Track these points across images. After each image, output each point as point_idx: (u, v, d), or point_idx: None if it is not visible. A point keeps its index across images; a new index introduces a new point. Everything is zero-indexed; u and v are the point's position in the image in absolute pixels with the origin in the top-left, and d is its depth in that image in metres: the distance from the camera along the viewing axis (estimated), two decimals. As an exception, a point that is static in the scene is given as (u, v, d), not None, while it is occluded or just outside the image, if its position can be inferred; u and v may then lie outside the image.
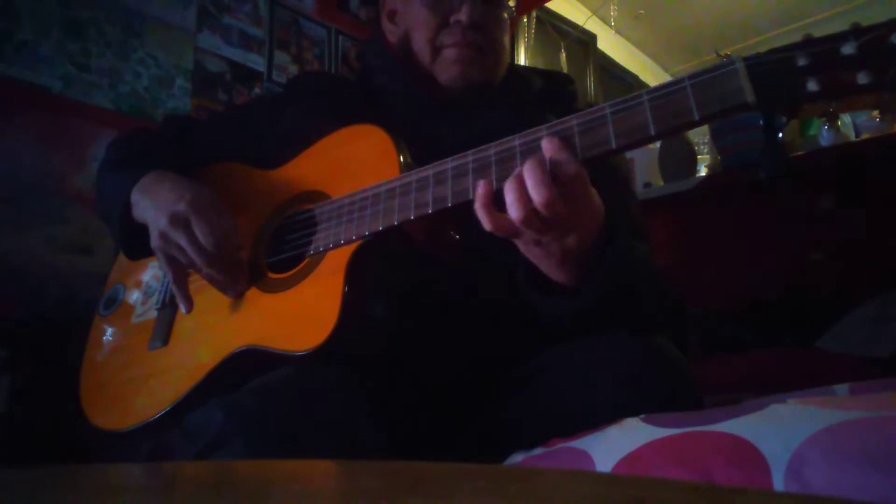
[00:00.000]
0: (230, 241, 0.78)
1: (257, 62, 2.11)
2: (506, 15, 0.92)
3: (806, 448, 0.38)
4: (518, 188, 0.58)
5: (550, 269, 0.65)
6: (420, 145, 0.77)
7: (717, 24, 4.03)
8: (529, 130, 0.63)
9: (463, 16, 0.85)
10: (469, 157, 0.66)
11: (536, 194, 0.57)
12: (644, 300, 0.70)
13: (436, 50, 0.87)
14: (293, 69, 2.20)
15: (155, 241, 0.78)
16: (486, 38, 0.88)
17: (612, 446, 0.49)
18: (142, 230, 0.82)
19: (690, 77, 0.56)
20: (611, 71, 3.94)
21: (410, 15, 0.91)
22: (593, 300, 0.64)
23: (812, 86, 0.52)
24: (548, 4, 3.29)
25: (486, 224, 0.61)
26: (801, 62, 0.52)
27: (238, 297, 0.80)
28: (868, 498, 0.34)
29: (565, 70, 3.46)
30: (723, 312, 1.61)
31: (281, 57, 2.19)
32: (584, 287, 0.64)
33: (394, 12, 0.95)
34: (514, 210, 0.58)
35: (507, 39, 0.93)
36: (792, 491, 0.37)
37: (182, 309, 0.81)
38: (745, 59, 0.54)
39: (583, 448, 0.51)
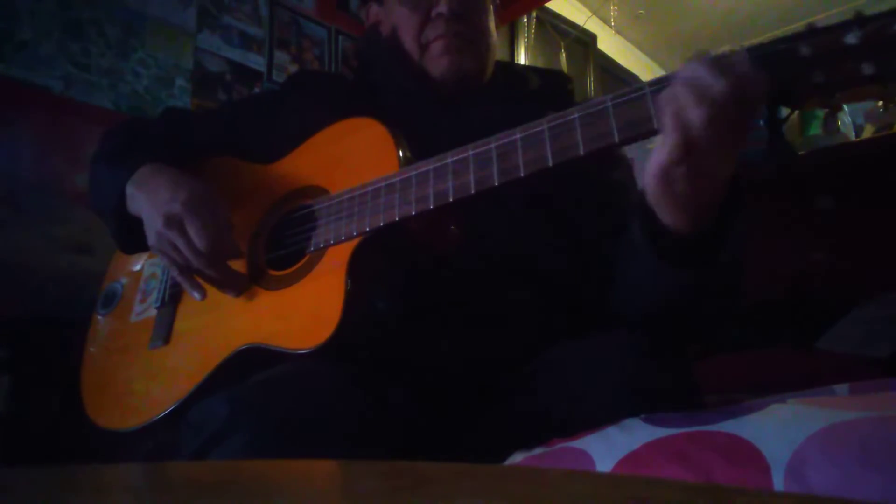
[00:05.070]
0: (226, 240, 0.77)
1: (257, 62, 2.11)
2: (488, 2, 0.92)
3: (806, 448, 0.38)
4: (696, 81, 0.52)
5: (679, 207, 0.58)
6: (417, 141, 0.77)
7: (717, 23, 4.03)
8: (530, 124, 0.63)
9: (443, 7, 0.85)
10: (469, 152, 0.66)
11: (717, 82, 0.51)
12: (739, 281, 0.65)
13: (423, 47, 0.88)
14: (293, 69, 2.19)
15: (152, 241, 0.78)
16: (470, 27, 0.88)
17: (612, 446, 0.49)
18: (138, 223, 0.82)
19: None
20: (611, 71, 3.94)
21: (393, 18, 0.91)
22: (726, 251, 0.59)
23: (817, 76, 0.51)
24: (548, 4, 3.28)
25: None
26: (805, 52, 0.51)
27: (238, 295, 0.80)
28: (868, 498, 0.34)
29: (565, 70, 3.46)
30: (723, 312, 1.61)
31: (281, 57, 2.19)
32: (718, 237, 0.59)
33: (378, 22, 0.96)
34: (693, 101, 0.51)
35: (493, 25, 0.93)
36: (792, 491, 0.37)
37: (195, 297, 0.80)
38: (750, 50, 0.53)
39: (583, 448, 0.51)
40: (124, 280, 1.00)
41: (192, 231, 0.75)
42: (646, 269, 0.64)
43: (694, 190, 0.56)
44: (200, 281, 0.81)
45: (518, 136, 0.63)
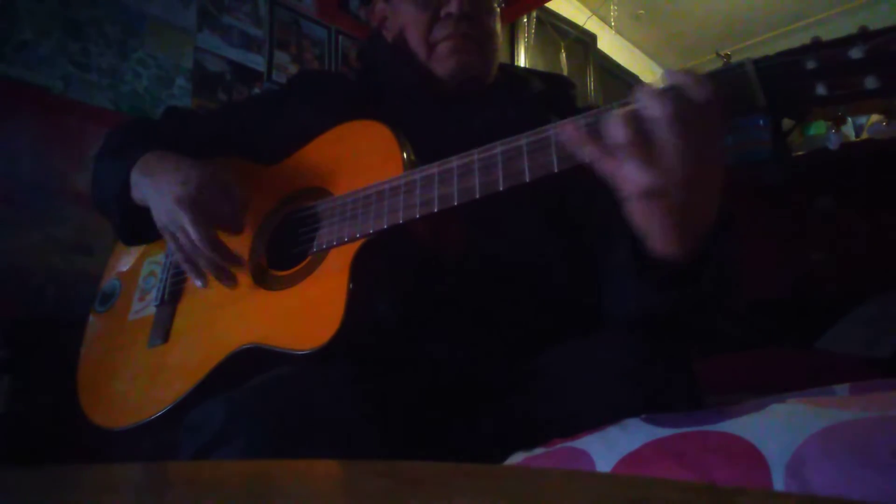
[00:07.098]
0: (237, 224, 0.78)
1: (257, 62, 2.11)
2: (495, 4, 0.92)
3: (806, 448, 0.38)
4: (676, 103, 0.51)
5: (664, 232, 0.56)
6: (420, 142, 0.77)
7: (717, 24, 4.03)
8: (537, 129, 0.63)
9: (453, 8, 0.85)
10: (475, 156, 0.66)
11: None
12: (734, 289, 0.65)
13: (430, 46, 0.88)
14: (293, 69, 2.20)
15: (162, 223, 0.78)
16: (478, 28, 0.88)
17: (612, 446, 0.49)
18: (141, 213, 0.81)
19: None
20: (611, 71, 3.95)
21: (401, 16, 0.91)
22: (711, 272, 0.59)
23: (821, 90, 0.52)
24: (548, 4, 3.29)
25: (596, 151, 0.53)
26: (810, 66, 0.52)
27: (238, 287, 0.80)
28: (868, 498, 0.34)
29: (565, 70, 3.46)
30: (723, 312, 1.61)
31: (281, 57, 2.19)
32: (702, 258, 0.58)
33: (384, 19, 0.96)
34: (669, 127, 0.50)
35: (499, 28, 0.94)
36: (792, 491, 0.37)
37: (197, 284, 0.80)
38: (756, 62, 0.54)
39: (583, 448, 0.51)
40: (123, 278, 1.00)
41: (203, 216, 0.75)
42: (627, 285, 0.65)
43: (668, 219, 0.55)
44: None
45: (524, 141, 0.63)
